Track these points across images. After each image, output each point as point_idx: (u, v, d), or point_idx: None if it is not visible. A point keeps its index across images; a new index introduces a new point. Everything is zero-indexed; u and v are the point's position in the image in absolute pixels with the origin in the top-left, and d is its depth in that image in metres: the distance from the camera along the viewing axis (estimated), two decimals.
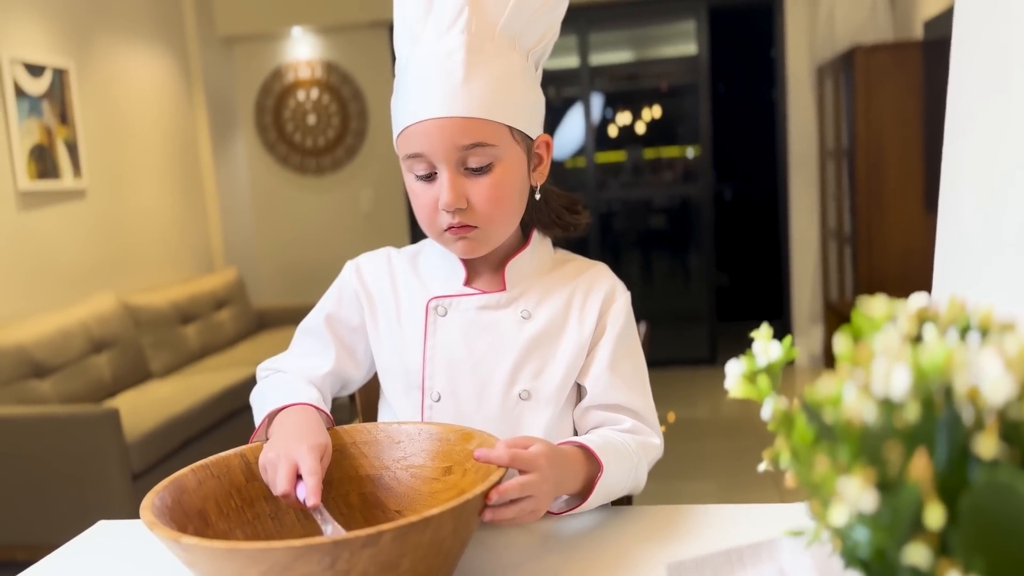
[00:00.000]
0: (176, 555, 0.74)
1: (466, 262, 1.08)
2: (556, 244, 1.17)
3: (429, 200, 1.01)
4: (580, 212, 1.15)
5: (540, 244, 1.12)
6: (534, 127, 1.04)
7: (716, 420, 4.29)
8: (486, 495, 0.79)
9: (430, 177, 1.00)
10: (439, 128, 0.97)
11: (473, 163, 0.99)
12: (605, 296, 1.09)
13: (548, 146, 1.08)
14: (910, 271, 3.99)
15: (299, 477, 0.87)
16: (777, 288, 5.30)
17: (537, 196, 1.09)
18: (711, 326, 5.28)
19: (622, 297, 1.10)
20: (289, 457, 0.88)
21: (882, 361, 0.36)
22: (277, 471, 0.88)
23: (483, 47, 0.98)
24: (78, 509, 2.79)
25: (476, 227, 1.01)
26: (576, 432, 1.09)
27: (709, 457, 3.67)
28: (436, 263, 1.11)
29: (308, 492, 0.85)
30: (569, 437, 1.07)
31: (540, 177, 1.08)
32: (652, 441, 1.06)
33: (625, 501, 1.16)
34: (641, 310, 1.16)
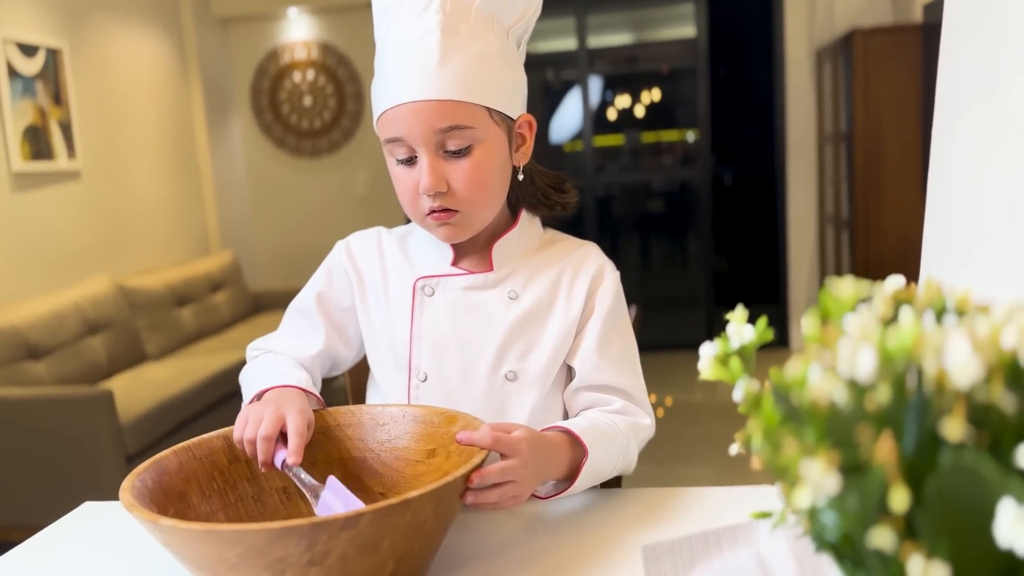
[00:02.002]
0: (155, 537, 0.74)
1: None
2: (548, 224, 1.16)
3: (410, 184, 1.00)
4: (567, 191, 1.13)
5: (528, 224, 1.11)
6: (515, 107, 1.03)
7: (712, 404, 4.29)
8: (467, 478, 0.79)
9: (410, 161, 1.00)
10: (416, 112, 0.96)
11: (452, 146, 0.98)
12: (593, 276, 1.08)
13: (531, 126, 1.06)
14: (908, 256, 3.97)
15: (279, 444, 0.89)
16: (775, 273, 5.30)
17: (520, 176, 1.08)
18: (708, 310, 5.27)
19: (611, 277, 1.09)
20: (278, 410, 0.90)
21: (847, 343, 0.36)
22: (263, 418, 0.89)
23: (459, 28, 0.96)
24: (72, 491, 2.79)
25: (458, 211, 1.00)
26: (567, 414, 1.09)
27: (704, 441, 3.68)
28: (425, 243, 1.10)
29: (290, 451, 0.87)
30: (559, 418, 1.07)
31: (523, 157, 1.07)
32: (642, 421, 1.05)
33: (615, 482, 1.16)
34: (638, 294, 1.16)
